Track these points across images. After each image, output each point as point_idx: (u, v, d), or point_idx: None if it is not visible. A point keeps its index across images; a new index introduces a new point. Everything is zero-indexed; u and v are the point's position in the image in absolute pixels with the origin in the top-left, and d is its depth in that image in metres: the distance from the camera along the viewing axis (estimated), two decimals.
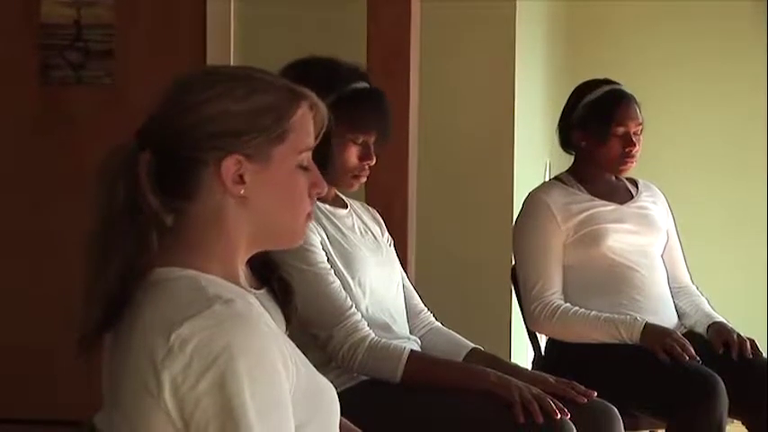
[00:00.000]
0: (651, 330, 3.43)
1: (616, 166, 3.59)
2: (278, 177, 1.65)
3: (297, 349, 1.66)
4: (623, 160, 3.58)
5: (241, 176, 1.63)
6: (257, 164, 1.64)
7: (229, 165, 1.62)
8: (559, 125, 3.68)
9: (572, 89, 3.72)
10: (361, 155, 2.79)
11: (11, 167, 4.56)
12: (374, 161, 2.81)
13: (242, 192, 1.63)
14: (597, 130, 3.55)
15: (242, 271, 1.71)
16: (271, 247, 1.73)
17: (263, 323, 1.58)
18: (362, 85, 2.77)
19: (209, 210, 1.64)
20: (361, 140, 2.78)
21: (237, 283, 1.67)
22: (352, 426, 2.25)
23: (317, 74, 2.63)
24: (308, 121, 1.69)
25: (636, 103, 3.59)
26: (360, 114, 2.77)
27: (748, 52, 5.73)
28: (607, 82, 3.65)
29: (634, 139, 3.55)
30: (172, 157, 1.62)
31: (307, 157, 1.69)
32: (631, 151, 3.56)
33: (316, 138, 1.71)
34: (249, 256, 1.72)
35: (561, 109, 3.71)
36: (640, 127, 3.58)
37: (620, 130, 3.54)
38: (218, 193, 1.63)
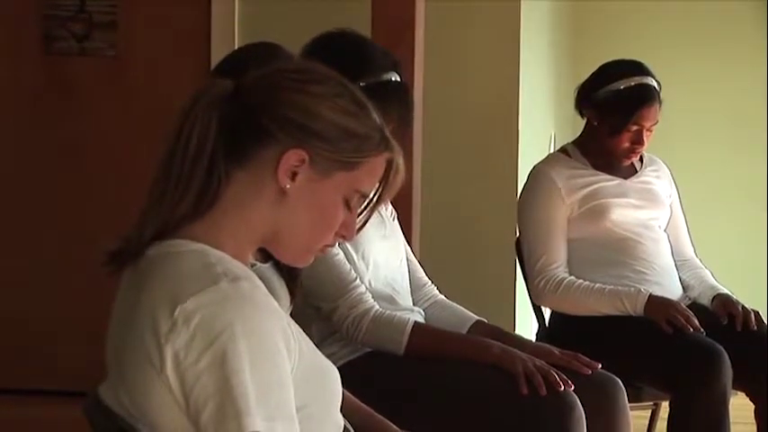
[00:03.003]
0: (655, 302, 3.44)
1: (619, 156, 3.58)
2: (323, 197, 1.66)
3: (301, 331, 1.65)
4: (627, 154, 3.57)
5: (295, 174, 1.64)
6: (315, 173, 1.65)
7: (293, 156, 1.63)
8: (579, 92, 3.65)
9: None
10: None
11: (12, 138, 4.55)
12: None
13: (287, 186, 1.64)
14: (612, 122, 3.53)
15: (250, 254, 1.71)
16: (272, 252, 1.72)
17: (268, 303, 1.58)
18: (393, 77, 2.74)
19: (250, 186, 1.64)
20: None
21: (245, 264, 1.67)
22: (354, 399, 2.25)
23: (350, 56, 2.61)
24: (378, 172, 1.70)
25: (659, 101, 3.54)
26: (383, 106, 2.75)
27: (748, 29, 5.72)
28: (637, 70, 3.58)
29: (644, 136, 3.53)
30: (252, 119, 1.64)
31: (358, 200, 1.70)
32: (637, 148, 3.55)
33: (374, 197, 1.72)
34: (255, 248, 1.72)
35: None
36: (655, 126, 3.56)
37: (635, 127, 3.53)
38: (267, 175, 1.64)
